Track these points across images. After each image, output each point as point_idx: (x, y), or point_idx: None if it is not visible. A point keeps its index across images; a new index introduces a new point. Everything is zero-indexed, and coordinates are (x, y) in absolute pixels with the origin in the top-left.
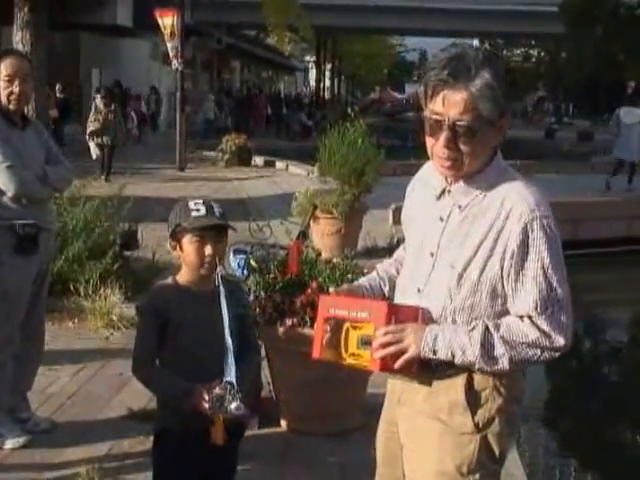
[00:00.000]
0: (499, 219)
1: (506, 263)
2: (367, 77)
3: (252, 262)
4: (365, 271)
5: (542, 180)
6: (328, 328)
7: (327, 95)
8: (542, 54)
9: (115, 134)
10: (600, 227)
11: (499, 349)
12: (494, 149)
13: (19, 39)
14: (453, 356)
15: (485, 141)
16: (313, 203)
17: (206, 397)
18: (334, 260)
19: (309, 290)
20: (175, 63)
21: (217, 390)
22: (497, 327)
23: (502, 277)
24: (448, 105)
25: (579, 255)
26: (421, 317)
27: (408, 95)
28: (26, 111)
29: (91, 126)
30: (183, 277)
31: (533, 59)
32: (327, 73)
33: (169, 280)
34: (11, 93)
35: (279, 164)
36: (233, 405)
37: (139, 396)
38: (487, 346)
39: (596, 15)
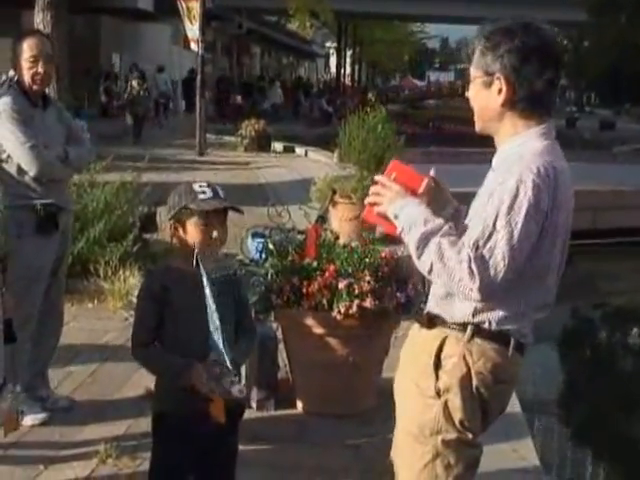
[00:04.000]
0: (499, 180)
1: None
2: (388, 64)
3: (270, 245)
4: (383, 255)
5: None
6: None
7: (347, 82)
8: (564, 42)
9: (144, 105)
10: (620, 216)
11: (431, 249)
12: (527, 119)
13: (40, 20)
14: (403, 229)
15: (479, 95)
16: (332, 188)
17: (205, 375)
18: (352, 244)
19: (326, 273)
20: (195, 47)
21: (216, 369)
22: (446, 234)
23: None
24: None
25: (598, 244)
26: (425, 186)
27: (429, 82)
28: (47, 92)
29: (126, 99)
30: (181, 260)
31: None
32: (348, 59)
33: (166, 263)
34: (36, 73)
35: (298, 150)
36: (235, 388)
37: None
38: (426, 239)
39: (619, 3)
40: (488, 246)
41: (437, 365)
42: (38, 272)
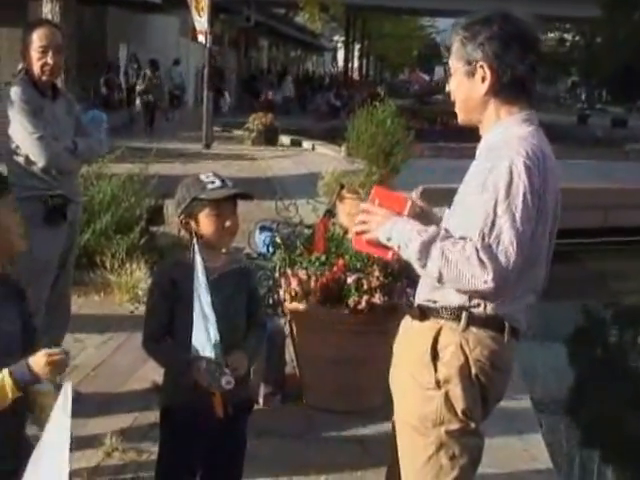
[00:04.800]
0: (483, 165)
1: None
2: (396, 58)
3: (277, 239)
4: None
5: (573, 166)
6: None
7: (355, 76)
8: (577, 38)
9: (157, 94)
10: (632, 215)
11: (434, 256)
12: (509, 106)
13: (48, 11)
14: (400, 248)
15: (462, 85)
16: (340, 183)
17: (201, 370)
18: None
19: (335, 268)
20: (202, 38)
21: (210, 364)
22: (444, 238)
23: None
24: None
25: (609, 242)
26: (409, 208)
27: (438, 78)
28: (56, 82)
29: (139, 87)
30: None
31: (567, 43)
32: (356, 53)
33: (177, 258)
34: (45, 64)
35: (305, 144)
36: (224, 380)
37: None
38: (426, 249)
39: None
40: (494, 234)
41: (434, 356)
42: (46, 264)
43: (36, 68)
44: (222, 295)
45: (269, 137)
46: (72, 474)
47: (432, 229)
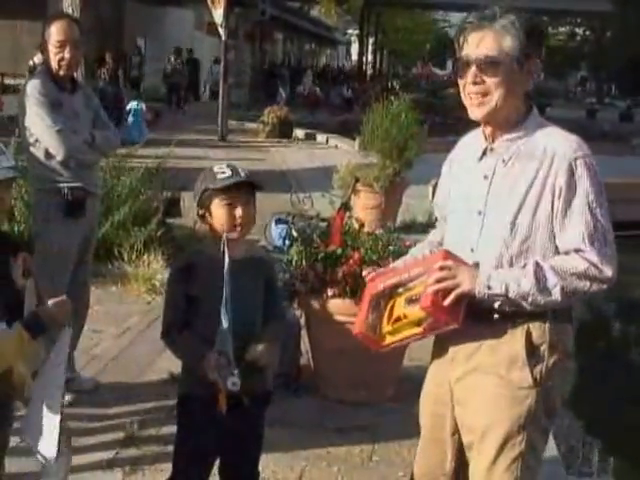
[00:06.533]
0: (544, 164)
1: (556, 202)
2: (410, 52)
3: (293, 232)
4: (407, 244)
5: None
6: (373, 306)
7: (369, 69)
8: (587, 32)
9: (179, 78)
10: (638, 209)
11: (551, 280)
12: (528, 102)
13: (68, 4)
14: (507, 289)
15: (511, 78)
16: (355, 176)
17: (212, 365)
18: (377, 232)
19: (351, 261)
20: (221, 33)
21: (221, 360)
22: (546, 261)
23: (554, 217)
24: (474, 44)
25: (616, 237)
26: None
27: (449, 72)
28: (75, 76)
29: (165, 72)
30: (211, 245)
31: (578, 37)
32: (369, 47)
33: (197, 248)
34: (62, 59)
35: (319, 137)
36: (229, 380)
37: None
38: (540, 277)
39: None
40: (598, 235)
41: (529, 356)
42: (65, 256)
43: (54, 62)
44: (234, 284)
45: (284, 130)
46: (91, 465)
47: (529, 261)
